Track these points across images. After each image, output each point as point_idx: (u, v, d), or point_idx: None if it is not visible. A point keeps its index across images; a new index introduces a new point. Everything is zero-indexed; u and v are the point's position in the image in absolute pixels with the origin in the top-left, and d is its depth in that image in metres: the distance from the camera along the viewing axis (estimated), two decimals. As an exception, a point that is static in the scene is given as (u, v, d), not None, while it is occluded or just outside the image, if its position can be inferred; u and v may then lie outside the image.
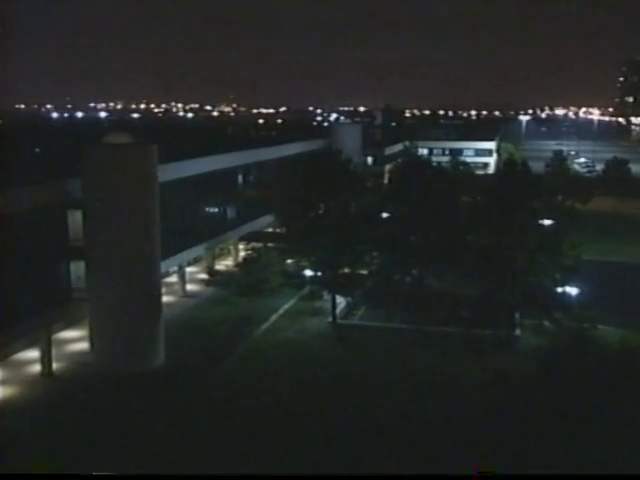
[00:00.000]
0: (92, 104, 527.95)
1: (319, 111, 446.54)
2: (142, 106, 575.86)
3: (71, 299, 46.01)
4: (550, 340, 46.99)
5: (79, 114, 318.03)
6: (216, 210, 67.28)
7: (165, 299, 51.68)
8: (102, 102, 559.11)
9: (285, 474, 31.90)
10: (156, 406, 39.30)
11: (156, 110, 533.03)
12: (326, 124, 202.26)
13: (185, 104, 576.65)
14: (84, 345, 46.87)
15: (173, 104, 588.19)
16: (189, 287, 61.88)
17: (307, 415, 38.28)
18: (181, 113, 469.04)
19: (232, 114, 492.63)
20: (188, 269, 64.02)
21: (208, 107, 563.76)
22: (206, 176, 62.86)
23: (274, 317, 54.99)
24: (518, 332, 49.92)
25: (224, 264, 69.61)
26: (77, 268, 45.69)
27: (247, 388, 41.83)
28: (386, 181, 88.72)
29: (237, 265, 64.74)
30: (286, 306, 57.53)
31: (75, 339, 48.82)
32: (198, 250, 63.15)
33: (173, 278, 61.73)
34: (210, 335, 50.36)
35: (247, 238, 69.20)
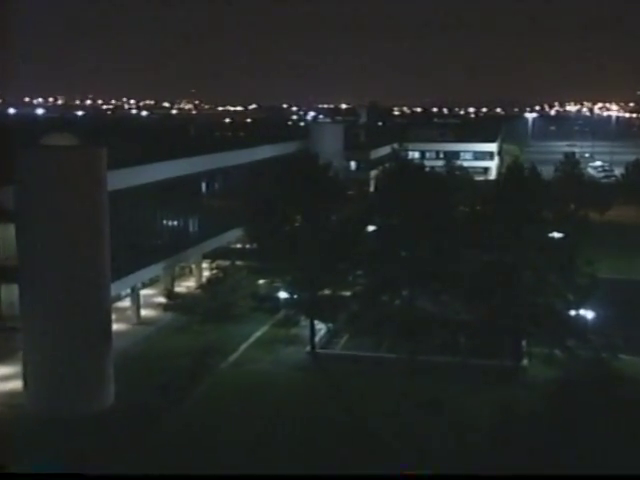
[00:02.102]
0: (27, 99, 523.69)
1: (295, 109, 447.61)
2: (87, 102, 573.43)
3: (1, 329, 45.60)
4: (562, 372, 47.36)
5: (11, 110, 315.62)
6: (176, 223, 67.15)
7: (115, 327, 51.29)
8: (39, 97, 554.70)
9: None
10: (92, 464, 37.45)
11: (104, 107, 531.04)
12: (303, 124, 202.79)
13: (138, 100, 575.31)
14: (16, 384, 46.32)
15: (124, 100, 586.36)
16: (144, 313, 61.60)
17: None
18: (134, 110, 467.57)
19: (194, 112, 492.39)
20: (143, 292, 63.68)
21: (166, 104, 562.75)
22: (164, 184, 62.75)
23: (244, 347, 54.85)
24: (525, 362, 50.17)
25: (185, 286, 69.35)
26: (8, 292, 45.32)
27: (209, 435, 41.38)
28: (372, 189, 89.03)
29: (200, 287, 64.50)
30: (258, 334, 57.41)
31: (5, 377, 48.30)
32: (155, 270, 62.92)
33: (125, 302, 61.41)
34: (169, 369, 50.08)
35: (212, 255, 69.03)
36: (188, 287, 68.93)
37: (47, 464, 35.69)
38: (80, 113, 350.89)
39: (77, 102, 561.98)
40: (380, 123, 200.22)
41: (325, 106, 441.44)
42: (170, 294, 63.77)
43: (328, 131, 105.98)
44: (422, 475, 29.94)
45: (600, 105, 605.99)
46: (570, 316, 50.10)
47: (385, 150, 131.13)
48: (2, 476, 26.88)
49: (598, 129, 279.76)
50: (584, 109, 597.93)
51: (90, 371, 44.53)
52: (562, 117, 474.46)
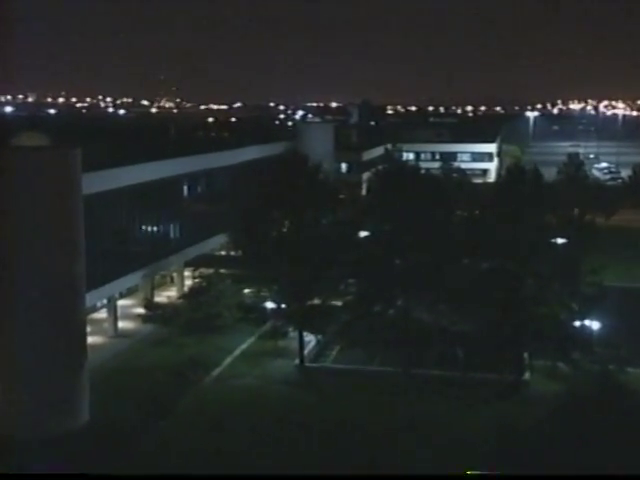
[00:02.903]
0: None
1: (282, 107, 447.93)
2: (60, 100, 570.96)
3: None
4: (567, 386, 47.40)
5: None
6: (156, 229, 67.04)
7: (91, 340, 51.12)
8: (7, 94, 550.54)
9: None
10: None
11: (79, 105, 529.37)
12: (291, 123, 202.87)
13: (115, 98, 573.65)
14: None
15: (100, 98, 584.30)
16: (122, 325, 61.39)
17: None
18: (111, 109, 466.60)
19: (175, 111, 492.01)
20: (121, 302, 63.52)
21: (145, 102, 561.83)
22: (143, 187, 62.65)
23: (228, 360, 54.73)
24: (527, 376, 50.24)
25: (166, 295, 69.20)
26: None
27: (187, 458, 40.84)
28: (364, 192, 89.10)
29: (182, 296, 64.37)
30: (243, 346, 57.30)
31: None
32: (133, 278, 62.76)
33: (101, 314, 61.22)
34: (148, 385, 49.90)
35: (195, 263, 68.91)
36: (169, 297, 68.75)
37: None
38: (52, 111, 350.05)
39: (49, 100, 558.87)
40: (373, 123, 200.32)
41: (314, 104, 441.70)
42: (150, 304, 63.61)
43: (318, 131, 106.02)
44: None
45: (606, 103, 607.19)
46: (575, 327, 50.22)
47: (378, 151, 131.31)
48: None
49: (603, 128, 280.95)
50: (588, 107, 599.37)
51: (63, 387, 44.23)
52: (565, 116, 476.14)
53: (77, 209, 44.81)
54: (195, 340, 57.98)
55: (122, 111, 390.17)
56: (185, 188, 72.18)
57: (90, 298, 50.79)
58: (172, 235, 69.27)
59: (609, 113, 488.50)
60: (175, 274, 71.20)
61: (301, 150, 66.55)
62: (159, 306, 64.02)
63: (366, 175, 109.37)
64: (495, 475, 32.06)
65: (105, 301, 60.29)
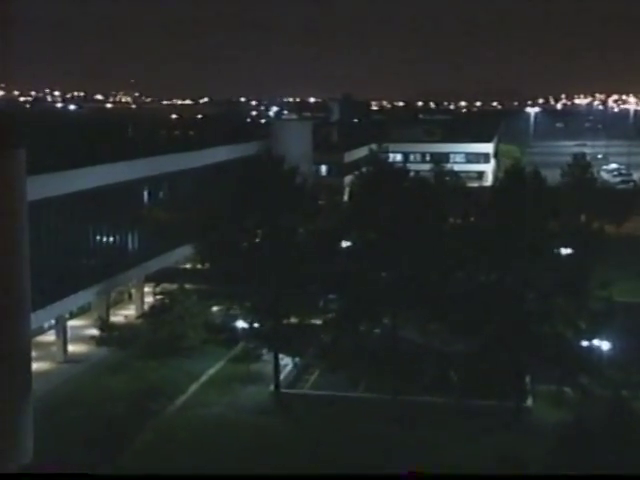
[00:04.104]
0: None
1: (254, 103, 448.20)
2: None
3: None
4: (574, 414, 47.47)
5: None
6: (111, 240, 66.76)
7: (36, 366, 50.82)
8: None
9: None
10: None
11: (22, 99, 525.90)
12: (264, 121, 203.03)
13: (65, 91, 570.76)
14: None
15: (47, 91, 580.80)
16: (73, 348, 61.05)
17: None
18: (59, 104, 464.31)
19: (133, 106, 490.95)
20: (71, 323, 63.16)
21: (99, 96, 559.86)
22: (96, 193, 62.37)
23: (194, 387, 54.57)
24: (530, 403, 50.42)
25: (123, 314, 68.93)
26: None
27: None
28: (346, 198, 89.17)
29: (142, 315, 64.14)
30: (211, 371, 57.18)
31: None
32: (85, 296, 62.44)
33: (49, 336, 60.82)
34: (101, 418, 49.53)
35: (156, 278, 68.69)
36: (127, 316, 68.49)
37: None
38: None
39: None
40: (355, 120, 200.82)
41: (290, 100, 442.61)
42: (104, 325, 63.27)
43: (294, 130, 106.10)
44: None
45: (615, 97, 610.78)
46: (582, 347, 50.40)
47: (361, 152, 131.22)
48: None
49: (613, 126, 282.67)
50: (596, 102, 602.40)
51: (3, 421, 43.75)
52: (570, 112, 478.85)
53: (21, 218, 44.51)
54: (156, 365, 57.74)
55: (72, 106, 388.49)
56: (145, 194, 71.95)
57: (36, 318, 50.44)
58: (130, 247, 68.98)
59: (619, 109, 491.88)
60: (134, 290, 70.89)
61: (276, 151, 66.63)
62: (115, 327, 63.71)
63: (348, 179, 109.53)
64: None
65: (53, 322, 59.90)
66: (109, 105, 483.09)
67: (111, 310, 67.47)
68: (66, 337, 60.41)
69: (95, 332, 63.04)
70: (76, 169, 61.25)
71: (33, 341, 49.73)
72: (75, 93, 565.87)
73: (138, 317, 65.17)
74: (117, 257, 66.47)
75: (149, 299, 67.91)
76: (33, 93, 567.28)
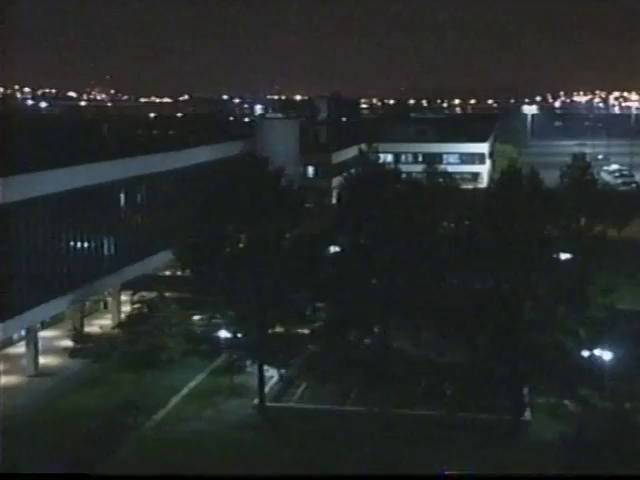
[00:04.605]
0: None
1: (237, 101, 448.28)
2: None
3: None
4: (574, 428, 47.52)
5: None
6: (86, 246, 66.59)
7: (5, 380, 50.69)
8: None
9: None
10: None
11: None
12: (248, 119, 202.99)
13: (36, 88, 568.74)
14: None
15: (16, 88, 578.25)
16: (44, 361, 60.86)
17: None
18: (30, 101, 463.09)
19: (109, 104, 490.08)
20: (43, 334, 62.97)
21: (72, 93, 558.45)
22: (70, 196, 62.23)
23: (174, 401, 54.50)
24: (528, 416, 50.48)
25: (99, 324, 68.68)
26: None
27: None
28: (334, 200, 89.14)
29: (119, 325, 63.92)
30: (192, 384, 57.11)
31: None
32: (58, 305, 62.26)
33: (19, 348, 60.63)
34: (75, 435, 49.40)
35: (134, 285, 68.52)
36: (102, 326, 68.22)
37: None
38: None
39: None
40: (344, 119, 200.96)
41: (275, 97, 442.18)
42: (78, 336, 63.04)
43: (280, 129, 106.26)
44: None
45: (617, 95, 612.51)
46: (583, 358, 50.53)
47: (351, 152, 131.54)
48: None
49: (614, 125, 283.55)
50: (596, 100, 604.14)
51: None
52: (569, 110, 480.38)
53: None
54: (134, 377, 57.53)
55: (44, 104, 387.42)
56: (122, 196, 71.79)
57: (5, 329, 50.32)
58: (106, 252, 68.83)
59: (621, 106, 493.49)
60: (110, 299, 70.71)
61: (260, 151, 66.72)
62: (90, 337, 63.46)
63: (337, 180, 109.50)
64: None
65: (23, 333, 59.68)
66: (83, 103, 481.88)
67: (86, 320, 67.27)
68: (37, 349, 60.19)
69: (68, 343, 62.80)
70: (46, 170, 61.09)
71: (1, 353, 49.61)
72: (47, 90, 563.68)
73: (114, 327, 64.96)
74: (92, 263, 66.31)
75: (126, 308, 67.69)
76: (1, 90, 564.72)
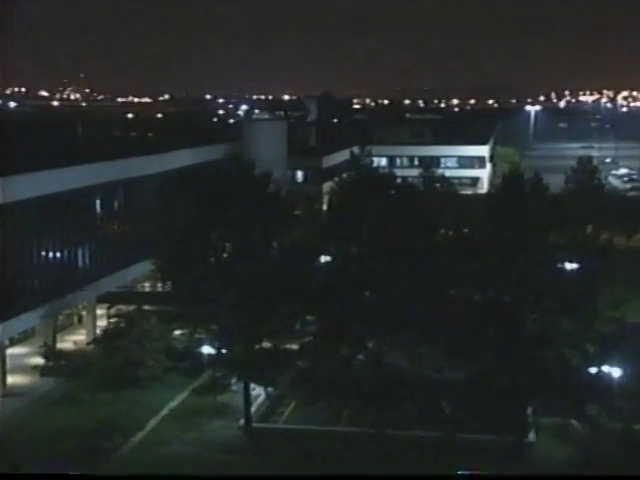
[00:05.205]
0: None
1: (221, 101, 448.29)
2: None
3: None
4: (581, 450, 47.55)
5: None
6: (59, 256, 66.43)
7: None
8: None
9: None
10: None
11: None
12: (233, 120, 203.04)
13: (4, 87, 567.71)
14: None
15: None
16: (12, 380, 60.73)
17: None
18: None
19: (84, 104, 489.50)
20: (10, 351, 62.83)
21: (44, 92, 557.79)
22: (41, 202, 62.09)
23: (154, 422, 54.44)
24: (532, 437, 50.50)
25: (73, 340, 68.62)
26: None
27: None
28: (325, 207, 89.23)
29: (94, 341, 63.83)
30: (173, 404, 57.05)
31: None
32: (28, 320, 62.12)
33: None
34: (46, 457, 49.01)
35: (110, 298, 68.46)
36: (76, 342, 68.17)
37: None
38: None
39: None
40: (335, 120, 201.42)
41: (262, 97, 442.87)
42: (50, 352, 62.92)
43: (266, 130, 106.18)
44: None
45: (625, 94, 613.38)
46: (590, 374, 50.56)
47: (342, 156, 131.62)
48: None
49: (623, 126, 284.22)
50: (604, 99, 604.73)
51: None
52: (575, 110, 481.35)
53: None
54: (110, 397, 57.49)
55: (13, 104, 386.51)
56: (98, 203, 71.71)
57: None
58: (81, 263, 68.70)
59: (630, 106, 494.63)
60: (85, 313, 70.56)
61: (246, 155, 66.65)
62: (63, 354, 63.38)
63: (327, 186, 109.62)
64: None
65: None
66: (55, 103, 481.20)
67: (58, 335, 67.07)
68: (5, 367, 60.08)
69: (39, 361, 62.73)
70: (16, 175, 60.94)
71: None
72: (16, 89, 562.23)
73: (89, 343, 64.87)
74: (65, 275, 66.13)
75: (102, 322, 67.63)
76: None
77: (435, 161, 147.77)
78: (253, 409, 53.88)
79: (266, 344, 54.11)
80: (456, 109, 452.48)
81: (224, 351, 53.99)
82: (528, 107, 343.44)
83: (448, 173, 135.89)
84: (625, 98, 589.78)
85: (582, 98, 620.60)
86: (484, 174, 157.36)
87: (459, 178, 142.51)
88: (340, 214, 58.33)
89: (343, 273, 54.03)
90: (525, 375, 49.28)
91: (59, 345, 65.80)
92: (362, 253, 53.48)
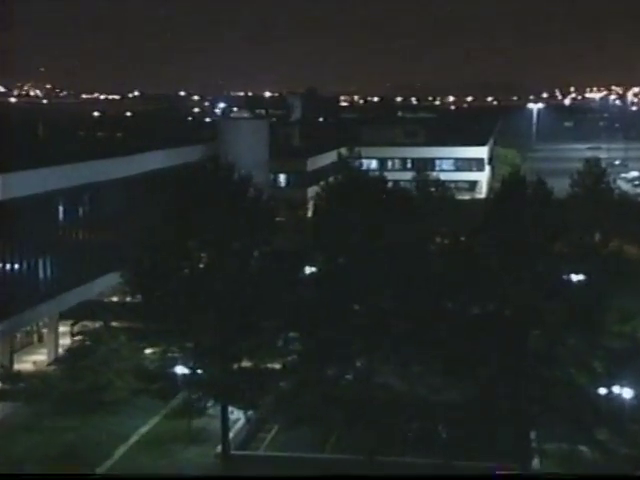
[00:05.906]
0: None
1: (196, 98, 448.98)
2: None
3: None
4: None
5: None
6: (16, 267, 66.24)
7: None
8: None
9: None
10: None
11: None
12: (209, 119, 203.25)
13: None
14: None
15: None
16: (-34, 404, 60.48)
17: None
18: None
19: (44, 101, 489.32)
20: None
21: (0, 88, 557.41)
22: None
23: (122, 450, 54.31)
24: (536, 464, 50.54)
25: (32, 360, 68.44)
26: None
27: None
28: (310, 214, 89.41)
29: (56, 361, 63.70)
30: (144, 429, 57.00)
31: None
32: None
33: None
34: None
35: (74, 314, 68.28)
36: (36, 362, 68.02)
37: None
38: None
39: None
40: (321, 119, 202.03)
41: (241, 94, 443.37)
42: (7, 375, 62.70)
43: (246, 130, 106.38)
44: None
45: (636, 90, 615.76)
46: (599, 395, 50.63)
47: (329, 158, 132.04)
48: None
49: (633, 125, 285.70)
50: (612, 97, 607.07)
51: None
52: (581, 108, 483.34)
53: None
54: (75, 423, 57.36)
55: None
56: (60, 209, 71.57)
57: None
58: (41, 275, 68.53)
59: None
60: (45, 330, 70.40)
61: (224, 156, 66.57)
62: (21, 376, 63.14)
63: (313, 190, 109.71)
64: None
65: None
66: (13, 99, 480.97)
67: (16, 356, 66.90)
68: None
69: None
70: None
71: None
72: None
73: (51, 363, 64.77)
74: (24, 289, 65.94)
75: (65, 341, 67.46)
76: None
77: (430, 163, 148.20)
78: (231, 435, 53.86)
79: (246, 363, 54.05)
80: (452, 107, 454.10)
81: (200, 371, 53.90)
82: (530, 105, 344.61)
83: (444, 176, 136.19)
84: (636, 95, 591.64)
85: (589, 95, 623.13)
86: (483, 177, 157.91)
87: (455, 182, 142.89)
88: (326, 221, 58.27)
89: (330, 285, 53.96)
90: (528, 396, 49.35)
91: (17, 366, 65.60)
92: (350, 264, 53.45)
